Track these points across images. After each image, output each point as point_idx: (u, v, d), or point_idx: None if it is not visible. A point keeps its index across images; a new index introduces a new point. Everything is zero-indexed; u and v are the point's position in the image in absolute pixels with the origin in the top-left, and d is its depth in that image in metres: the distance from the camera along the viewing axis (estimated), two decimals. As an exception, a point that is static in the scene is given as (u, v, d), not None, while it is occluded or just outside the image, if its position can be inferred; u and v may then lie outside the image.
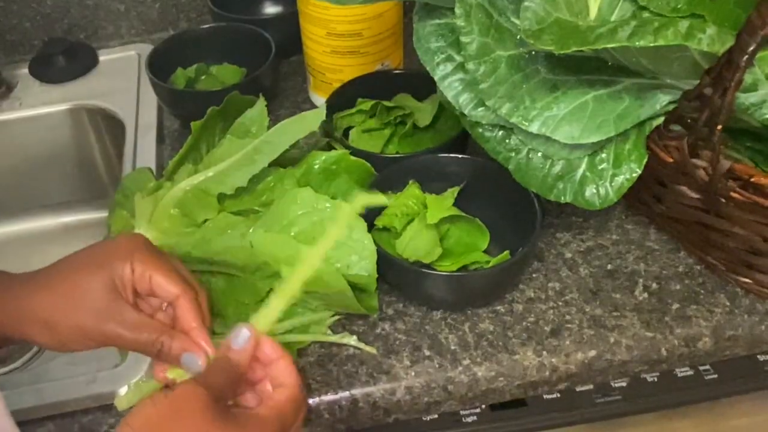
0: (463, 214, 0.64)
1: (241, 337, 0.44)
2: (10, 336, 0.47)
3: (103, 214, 0.95)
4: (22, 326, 0.46)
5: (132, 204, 0.67)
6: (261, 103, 0.71)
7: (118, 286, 0.47)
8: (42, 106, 0.91)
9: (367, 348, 0.59)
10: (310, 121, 0.66)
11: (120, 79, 0.93)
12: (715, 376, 0.65)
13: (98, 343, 0.47)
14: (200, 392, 0.39)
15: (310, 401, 0.56)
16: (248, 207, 0.66)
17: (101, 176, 0.99)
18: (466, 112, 0.57)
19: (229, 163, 0.65)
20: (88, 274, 0.46)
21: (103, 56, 0.97)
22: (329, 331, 0.60)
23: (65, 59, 0.94)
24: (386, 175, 0.66)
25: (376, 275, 0.58)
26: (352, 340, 0.59)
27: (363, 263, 0.58)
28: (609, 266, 0.65)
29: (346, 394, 0.56)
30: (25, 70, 0.95)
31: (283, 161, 0.67)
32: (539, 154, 0.57)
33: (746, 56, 0.45)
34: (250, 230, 0.61)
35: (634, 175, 0.56)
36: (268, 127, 0.68)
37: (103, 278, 0.46)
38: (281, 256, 0.58)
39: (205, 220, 0.64)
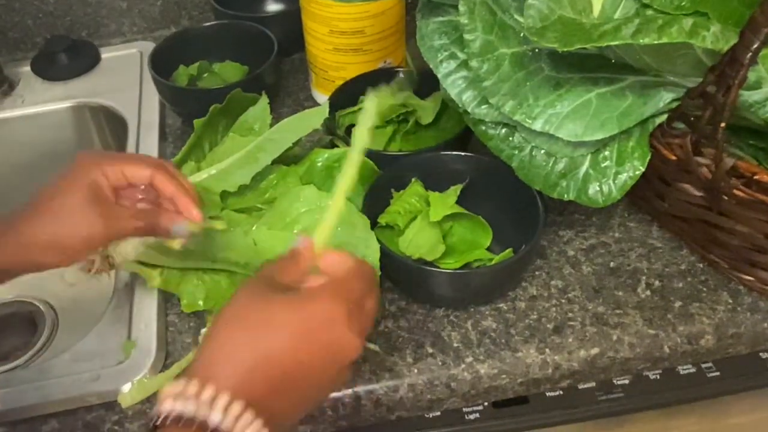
0: (466, 211, 0.64)
1: (299, 242, 0.46)
2: (21, 266, 0.51)
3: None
4: (31, 253, 0.50)
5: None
6: (263, 101, 0.71)
7: (97, 191, 0.51)
8: (44, 103, 0.91)
9: (370, 346, 0.59)
10: (313, 118, 0.66)
11: (122, 76, 0.93)
12: (718, 373, 0.65)
13: (100, 243, 0.52)
14: (252, 281, 0.43)
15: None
16: (251, 205, 0.66)
17: (103, 174, 0.99)
18: (469, 109, 0.57)
19: (231, 160, 0.65)
20: (71, 193, 0.50)
21: (106, 54, 0.97)
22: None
23: (67, 57, 0.94)
24: (389, 172, 0.66)
25: (379, 272, 0.59)
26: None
27: (366, 260, 0.59)
28: (612, 264, 0.65)
29: (349, 391, 0.57)
30: (28, 68, 0.95)
31: (286, 159, 0.67)
32: (542, 151, 0.57)
33: (750, 54, 0.45)
34: (254, 228, 0.61)
35: (638, 172, 0.56)
36: (271, 125, 0.68)
37: (83, 191, 0.51)
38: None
39: (209, 218, 0.64)
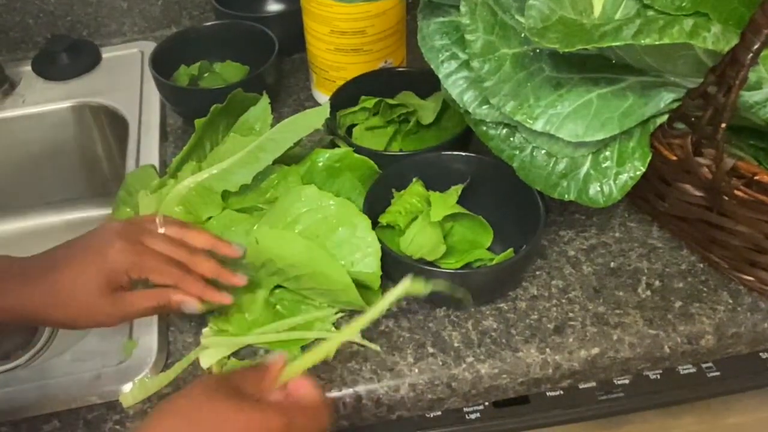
0: (467, 211, 0.64)
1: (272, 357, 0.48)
2: (27, 317, 0.53)
3: (105, 211, 0.95)
4: (43, 322, 0.53)
5: (136, 201, 0.67)
6: (264, 101, 0.71)
7: (115, 281, 0.52)
8: (45, 103, 0.91)
9: (371, 345, 0.59)
10: (314, 118, 0.66)
11: (123, 76, 0.93)
12: (718, 373, 0.65)
13: (105, 323, 0.53)
14: (213, 377, 0.44)
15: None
16: (252, 204, 0.66)
17: (104, 173, 0.99)
18: (470, 109, 0.57)
19: (233, 160, 0.65)
20: (89, 281, 0.52)
21: (106, 54, 0.97)
22: (333, 329, 0.60)
23: (68, 56, 0.94)
24: (390, 172, 0.66)
25: (381, 272, 0.59)
26: (356, 338, 0.59)
27: (367, 260, 0.59)
28: (612, 264, 0.65)
29: (350, 391, 0.57)
30: (29, 68, 0.95)
31: (287, 159, 0.67)
32: (543, 152, 0.58)
33: (751, 55, 0.46)
34: (255, 227, 0.61)
35: (638, 173, 0.56)
36: (272, 125, 0.68)
37: (101, 280, 0.52)
38: (286, 252, 0.58)
39: (209, 218, 0.64)
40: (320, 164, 0.67)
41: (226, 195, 0.65)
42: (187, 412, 0.43)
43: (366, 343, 0.59)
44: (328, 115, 0.66)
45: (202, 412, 0.42)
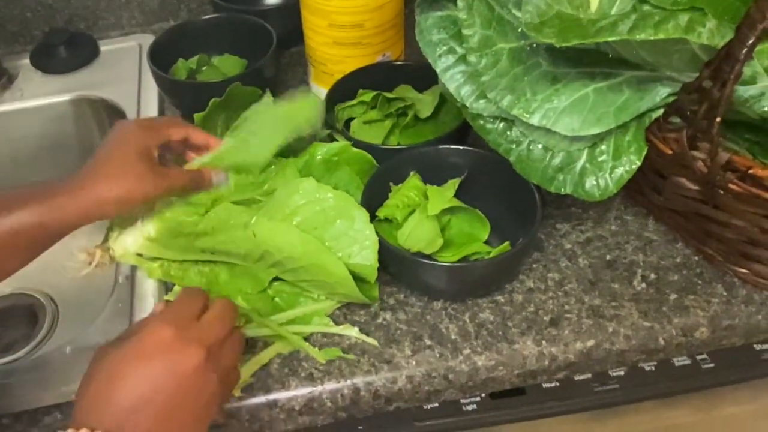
0: (464, 205, 0.64)
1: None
2: (88, 219, 0.57)
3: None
4: (101, 208, 0.57)
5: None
6: (267, 97, 0.71)
7: (147, 153, 0.60)
8: (43, 96, 0.91)
9: (369, 339, 0.59)
10: (307, 109, 0.67)
11: (121, 69, 0.93)
12: (712, 365, 0.65)
13: (156, 197, 0.60)
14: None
15: (314, 389, 0.57)
16: (250, 197, 0.66)
17: (103, 167, 0.99)
18: (467, 104, 0.58)
19: (225, 148, 0.66)
20: (127, 157, 0.59)
21: (105, 47, 0.97)
22: (331, 322, 0.61)
23: (66, 50, 0.94)
24: (388, 166, 0.66)
25: (377, 265, 0.59)
26: (354, 332, 0.60)
27: (364, 252, 0.59)
28: (608, 257, 0.65)
29: (348, 382, 0.57)
30: (27, 61, 0.95)
31: (285, 151, 0.68)
32: (540, 146, 0.58)
33: (745, 49, 0.46)
34: (253, 220, 0.62)
35: (634, 167, 0.56)
36: None
37: (136, 154, 0.59)
38: (283, 244, 0.58)
39: (206, 212, 0.65)
40: (318, 157, 0.68)
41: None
42: (107, 367, 0.45)
43: (363, 337, 0.60)
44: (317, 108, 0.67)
45: (114, 365, 0.45)
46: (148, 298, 0.64)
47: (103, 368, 0.45)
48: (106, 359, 0.45)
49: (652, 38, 0.45)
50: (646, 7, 0.52)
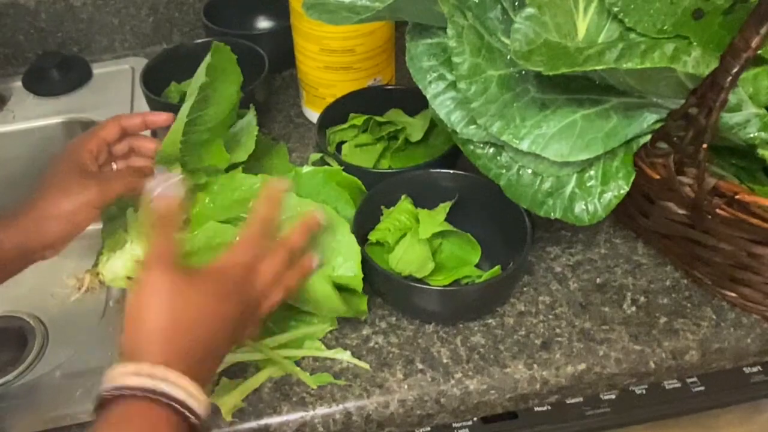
0: (455, 229, 0.65)
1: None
2: (36, 244, 0.59)
3: (95, 225, 0.95)
4: (43, 228, 0.58)
5: (124, 219, 0.67)
6: (251, 113, 0.72)
7: (84, 164, 0.61)
8: (36, 118, 0.91)
9: (361, 363, 0.59)
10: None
11: (114, 92, 0.94)
12: (702, 388, 0.66)
13: (99, 205, 0.61)
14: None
15: (305, 414, 0.57)
16: (236, 215, 0.67)
17: (94, 189, 0.99)
18: (458, 129, 0.58)
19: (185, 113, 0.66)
20: (65, 171, 0.61)
21: (97, 69, 0.98)
22: (323, 346, 0.61)
23: (59, 72, 0.95)
24: (379, 189, 0.66)
25: (362, 275, 0.59)
26: (346, 356, 0.60)
27: (348, 264, 0.59)
28: (598, 280, 0.66)
29: (340, 407, 0.57)
30: (19, 83, 0.96)
31: (272, 173, 0.68)
32: (529, 171, 0.59)
33: (730, 78, 0.47)
34: (237, 237, 0.62)
35: (622, 192, 0.57)
36: (258, 139, 0.70)
37: (74, 166, 0.61)
38: None
39: (195, 231, 0.65)
40: (305, 177, 0.68)
41: (207, 207, 0.66)
42: (162, 297, 0.47)
43: (355, 361, 0.60)
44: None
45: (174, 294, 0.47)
46: (139, 323, 0.64)
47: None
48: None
49: (638, 67, 0.46)
50: (633, 36, 0.54)
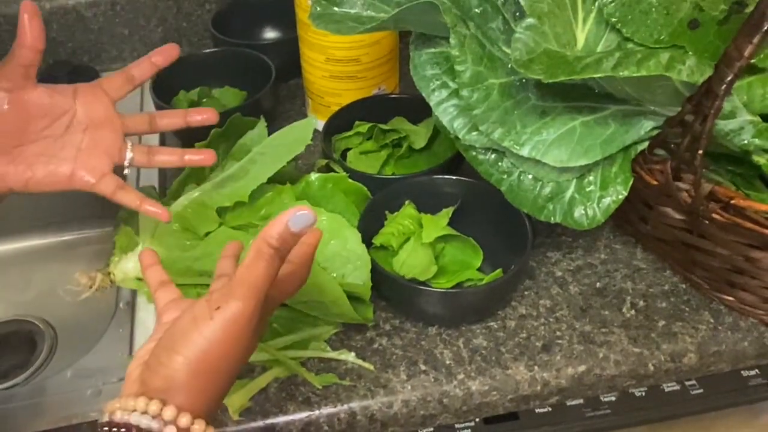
0: (457, 233, 0.66)
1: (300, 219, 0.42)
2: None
3: (103, 230, 0.96)
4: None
5: (136, 220, 0.69)
6: (261, 125, 0.73)
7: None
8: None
9: (365, 364, 0.61)
10: (301, 131, 0.68)
11: (123, 101, 0.94)
12: (701, 390, 0.67)
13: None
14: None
15: (311, 413, 0.58)
16: (248, 221, 0.68)
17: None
18: (460, 136, 0.60)
19: (225, 175, 0.67)
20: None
21: (107, 79, 0.99)
22: (328, 347, 0.62)
23: (69, 81, 0.95)
24: (383, 195, 0.68)
25: (371, 284, 0.61)
26: (350, 357, 0.61)
27: (357, 272, 0.61)
28: (598, 284, 0.67)
29: (345, 407, 0.58)
30: (30, 92, 0.97)
31: (282, 180, 0.69)
32: (530, 176, 0.60)
33: (724, 86, 0.48)
34: (249, 243, 0.63)
35: (621, 197, 0.58)
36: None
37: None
38: None
39: (207, 233, 0.66)
40: (315, 185, 0.69)
41: (222, 212, 0.67)
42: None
43: (360, 362, 0.61)
44: (314, 126, 0.68)
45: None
46: (149, 324, 0.65)
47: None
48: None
49: (635, 75, 0.47)
50: (630, 45, 0.55)
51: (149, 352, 0.43)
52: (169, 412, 0.39)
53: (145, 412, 0.39)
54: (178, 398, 0.40)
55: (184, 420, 0.39)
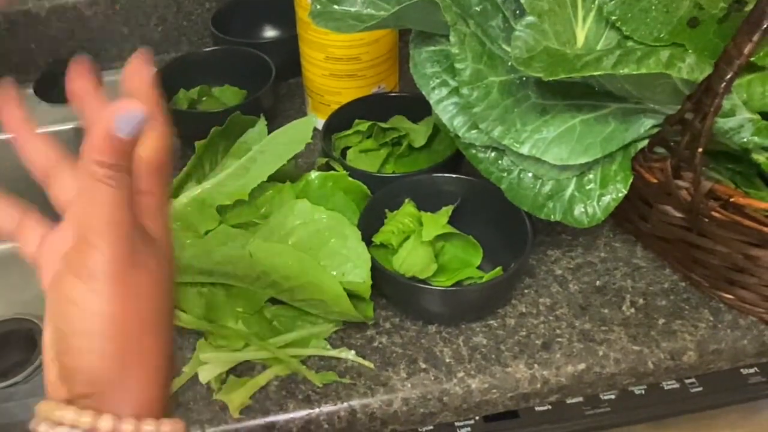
0: (457, 231, 0.66)
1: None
2: None
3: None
4: None
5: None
6: (261, 123, 0.73)
7: None
8: (47, 126, 0.93)
9: (365, 362, 0.61)
10: (301, 129, 0.69)
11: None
12: (701, 388, 0.67)
13: None
14: None
15: (311, 411, 0.58)
16: (248, 220, 0.68)
17: (103, 194, 1.00)
18: (460, 134, 0.60)
19: (225, 174, 0.67)
20: None
21: (107, 77, 0.99)
22: (328, 345, 0.62)
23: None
24: (383, 193, 0.68)
25: (371, 282, 0.61)
26: (350, 355, 0.61)
27: (357, 270, 0.61)
28: (597, 282, 0.67)
29: (345, 405, 0.58)
30: (30, 91, 0.97)
31: (283, 178, 0.70)
32: (530, 174, 0.60)
33: (724, 84, 0.48)
34: (250, 241, 0.63)
35: (621, 195, 0.58)
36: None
37: None
38: (279, 264, 0.60)
39: (207, 232, 0.66)
40: (315, 183, 0.70)
41: (222, 210, 0.67)
42: None
43: (360, 360, 0.61)
44: (314, 125, 0.68)
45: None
46: (149, 322, 0.65)
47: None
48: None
49: (634, 73, 0.48)
50: (630, 43, 0.55)
51: (54, 344, 0.34)
52: (104, 423, 0.32)
53: (75, 426, 0.32)
54: (113, 399, 0.33)
55: (129, 427, 0.33)
